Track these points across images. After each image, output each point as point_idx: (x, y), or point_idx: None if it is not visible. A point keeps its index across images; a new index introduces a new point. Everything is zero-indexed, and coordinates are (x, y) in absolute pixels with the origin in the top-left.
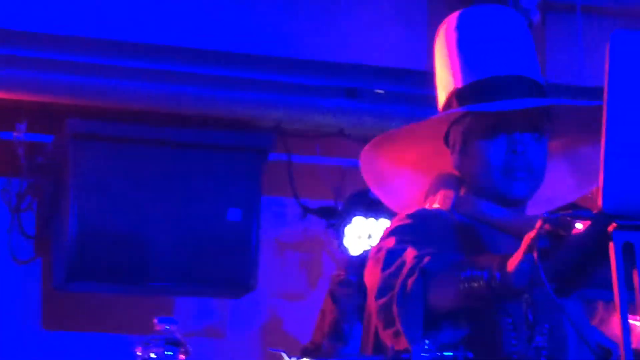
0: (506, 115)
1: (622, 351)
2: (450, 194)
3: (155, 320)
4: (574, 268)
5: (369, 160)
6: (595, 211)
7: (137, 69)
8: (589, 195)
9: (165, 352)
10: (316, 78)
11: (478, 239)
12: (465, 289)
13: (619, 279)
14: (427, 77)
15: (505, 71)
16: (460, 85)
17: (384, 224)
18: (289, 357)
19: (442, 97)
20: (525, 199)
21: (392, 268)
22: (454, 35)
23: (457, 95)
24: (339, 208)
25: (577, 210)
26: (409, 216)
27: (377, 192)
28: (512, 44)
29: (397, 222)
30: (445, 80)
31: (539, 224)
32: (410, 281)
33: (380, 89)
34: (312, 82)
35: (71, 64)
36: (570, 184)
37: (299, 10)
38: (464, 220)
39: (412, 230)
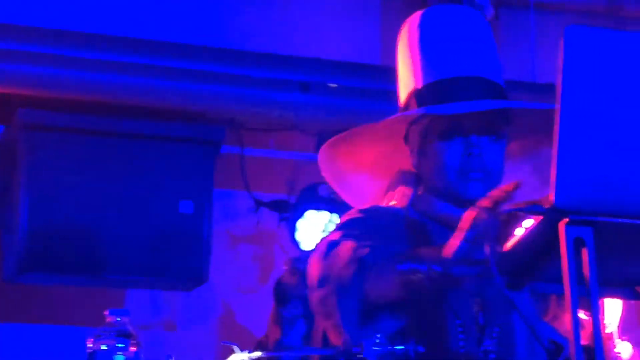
0: (463, 117)
1: (571, 347)
2: (408, 191)
3: (107, 313)
4: (526, 262)
5: (328, 158)
6: (547, 206)
7: (90, 59)
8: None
9: (117, 345)
10: (270, 71)
11: (430, 237)
12: (403, 281)
13: (569, 273)
14: (380, 72)
15: (465, 72)
16: (419, 85)
17: (336, 218)
18: (242, 351)
19: (402, 95)
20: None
21: (331, 259)
22: (416, 35)
23: (416, 96)
24: (292, 202)
25: (529, 205)
26: (360, 211)
27: (337, 189)
28: (474, 45)
29: (348, 216)
30: (405, 79)
31: (482, 203)
32: (347, 272)
33: (333, 83)
34: (266, 76)
35: (22, 54)
36: (533, 185)
37: (254, 3)
38: (419, 218)
39: (361, 225)
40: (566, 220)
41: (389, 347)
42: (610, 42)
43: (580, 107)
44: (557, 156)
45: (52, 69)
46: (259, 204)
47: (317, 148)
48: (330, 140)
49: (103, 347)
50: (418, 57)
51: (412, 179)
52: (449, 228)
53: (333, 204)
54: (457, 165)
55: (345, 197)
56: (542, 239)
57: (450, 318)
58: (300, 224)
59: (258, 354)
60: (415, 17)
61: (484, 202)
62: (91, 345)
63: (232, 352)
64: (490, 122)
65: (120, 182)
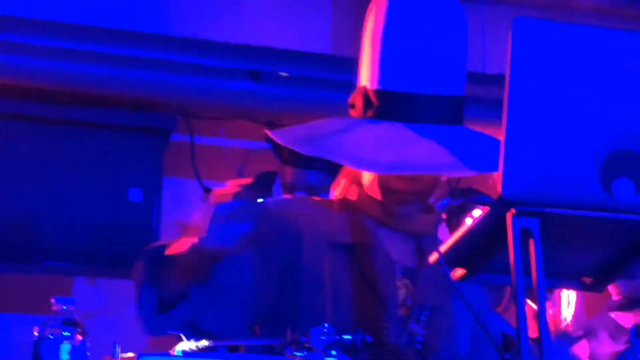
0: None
1: (518, 338)
2: (346, 184)
3: (53, 301)
4: (473, 253)
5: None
6: (494, 197)
7: (40, 46)
8: (490, 183)
9: (63, 333)
10: (220, 60)
11: (358, 231)
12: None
13: (516, 264)
14: (331, 61)
15: (425, 89)
16: (373, 85)
17: None
18: (188, 340)
19: (360, 82)
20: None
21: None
22: (381, 21)
23: (366, 98)
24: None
25: (476, 196)
26: (279, 202)
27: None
28: (442, 49)
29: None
30: (363, 70)
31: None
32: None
33: (284, 72)
34: (216, 64)
35: None
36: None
37: None
38: (353, 210)
39: (271, 217)
40: (513, 211)
41: (337, 337)
42: (558, 34)
43: (528, 98)
44: (505, 147)
45: (1, 56)
46: (209, 192)
47: (267, 136)
48: (279, 134)
49: (49, 336)
50: (377, 50)
51: (355, 172)
52: (382, 224)
53: (284, 193)
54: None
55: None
56: (489, 229)
57: (374, 301)
58: None
59: (204, 342)
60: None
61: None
62: (37, 333)
63: (179, 340)
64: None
65: (69, 170)
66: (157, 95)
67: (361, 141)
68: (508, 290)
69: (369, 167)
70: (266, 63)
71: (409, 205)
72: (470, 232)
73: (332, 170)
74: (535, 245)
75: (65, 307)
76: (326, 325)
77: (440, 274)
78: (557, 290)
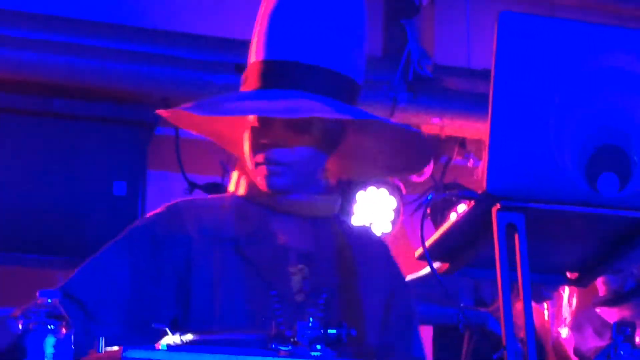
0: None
1: (502, 331)
2: (238, 175)
3: (37, 294)
4: (459, 247)
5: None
6: (479, 192)
7: (23, 39)
8: (477, 178)
9: (48, 326)
10: (205, 53)
11: (247, 222)
12: None
13: (501, 259)
14: None
15: (299, 57)
16: (257, 58)
17: None
18: (173, 334)
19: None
20: (286, 191)
21: None
22: (268, 4)
23: (250, 70)
24: (226, 184)
25: (461, 191)
26: (168, 206)
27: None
28: (322, 27)
29: (155, 211)
30: (252, 48)
31: None
32: None
33: None
34: (202, 57)
35: None
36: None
37: None
38: (243, 202)
39: (162, 219)
40: (498, 206)
41: (322, 331)
42: (542, 28)
43: (513, 93)
44: (489, 142)
45: (13, 51)
46: (193, 186)
47: None
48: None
49: (34, 329)
50: (261, 28)
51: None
52: (275, 210)
53: None
54: (254, 156)
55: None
56: (474, 224)
57: (267, 290)
58: None
59: (189, 336)
60: None
61: None
62: (21, 326)
63: (164, 334)
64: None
65: (53, 163)
66: (142, 88)
67: (227, 99)
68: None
69: (217, 111)
70: None
71: (283, 179)
72: (455, 226)
73: None
74: (520, 240)
75: (49, 301)
76: (311, 320)
77: (339, 255)
78: (559, 289)
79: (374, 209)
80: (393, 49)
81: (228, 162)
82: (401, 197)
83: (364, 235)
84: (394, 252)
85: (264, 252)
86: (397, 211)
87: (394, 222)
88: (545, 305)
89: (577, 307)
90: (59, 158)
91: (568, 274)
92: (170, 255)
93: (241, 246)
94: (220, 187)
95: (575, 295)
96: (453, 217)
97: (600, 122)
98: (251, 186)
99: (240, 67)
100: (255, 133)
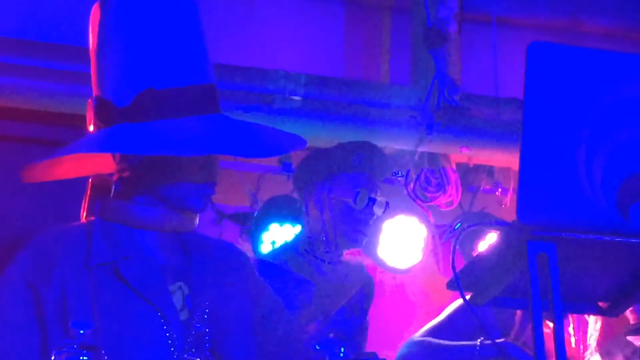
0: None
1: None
2: (89, 199)
3: (70, 325)
4: (489, 277)
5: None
6: (509, 221)
7: (58, 70)
8: (505, 206)
9: (81, 358)
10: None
11: (117, 245)
12: None
13: (533, 288)
14: (344, 84)
15: (172, 83)
16: (124, 103)
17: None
18: None
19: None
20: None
21: None
22: (111, 24)
23: (120, 115)
24: (255, 214)
25: (493, 220)
26: (32, 242)
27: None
28: (183, 42)
29: (21, 250)
30: (101, 82)
31: None
32: None
33: (297, 96)
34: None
35: None
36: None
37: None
38: (105, 224)
39: (32, 259)
40: (530, 235)
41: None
42: (572, 58)
43: (542, 122)
44: (520, 171)
45: (15, 79)
46: (221, 215)
47: (281, 161)
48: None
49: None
50: (114, 64)
51: (105, 186)
52: (136, 229)
53: (297, 217)
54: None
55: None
56: (505, 253)
57: (151, 313)
58: (264, 237)
59: None
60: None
61: None
62: (53, 358)
63: None
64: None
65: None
66: None
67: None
68: (518, 316)
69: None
70: (286, 86)
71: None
72: (485, 256)
73: None
74: (552, 270)
75: (82, 332)
76: (342, 349)
77: (211, 268)
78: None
79: (403, 238)
80: (421, 78)
81: (257, 192)
82: (430, 226)
83: (223, 247)
84: (422, 281)
85: (141, 274)
86: (427, 240)
87: (424, 251)
88: (571, 331)
89: (604, 333)
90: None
91: (600, 303)
92: (49, 292)
93: (119, 269)
94: (249, 217)
95: (600, 321)
96: (482, 246)
97: (630, 150)
98: (117, 208)
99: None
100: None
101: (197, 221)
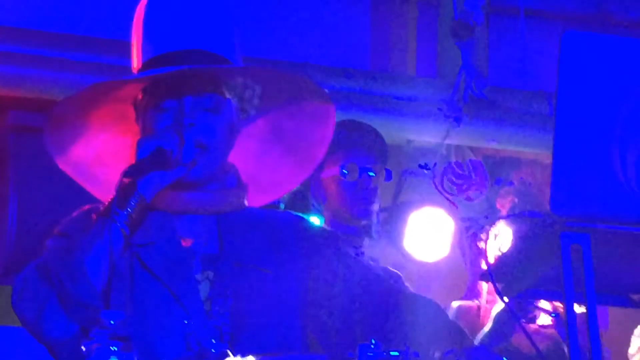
0: (176, 90)
1: (568, 350)
2: None
3: (101, 315)
4: (521, 268)
5: (60, 150)
6: (542, 212)
7: (82, 62)
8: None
9: (111, 347)
10: None
11: (149, 230)
12: None
13: (566, 280)
14: (369, 77)
15: (180, 46)
16: (139, 65)
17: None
18: (234, 355)
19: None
20: (201, 180)
21: None
22: (141, 12)
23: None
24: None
25: (525, 211)
26: (76, 213)
27: (84, 183)
28: (193, 18)
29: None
30: (132, 62)
31: None
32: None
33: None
34: None
35: (7, 55)
36: (287, 164)
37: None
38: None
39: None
40: (563, 227)
41: (384, 353)
42: (606, 46)
43: (576, 112)
44: (554, 163)
45: (44, 71)
46: None
47: None
48: (50, 130)
49: (97, 350)
50: (139, 36)
51: None
52: (172, 213)
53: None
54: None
55: (94, 191)
56: (536, 245)
57: (171, 302)
58: None
59: (251, 358)
60: None
61: None
62: (84, 348)
63: (225, 356)
64: (206, 92)
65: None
66: None
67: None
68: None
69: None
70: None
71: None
72: (516, 247)
73: None
74: (585, 261)
75: (112, 322)
76: (373, 341)
77: (244, 256)
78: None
79: (429, 231)
80: (448, 70)
81: None
82: (458, 218)
83: (278, 220)
84: (448, 275)
85: (168, 261)
86: (455, 233)
87: (452, 244)
88: None
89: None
90: None
91: (631, 296)
92: None
93: (140, 255)
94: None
95: None
96: (514, 237)
97: None
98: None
99: None
100: (169, 115)
101: (238, 202)
